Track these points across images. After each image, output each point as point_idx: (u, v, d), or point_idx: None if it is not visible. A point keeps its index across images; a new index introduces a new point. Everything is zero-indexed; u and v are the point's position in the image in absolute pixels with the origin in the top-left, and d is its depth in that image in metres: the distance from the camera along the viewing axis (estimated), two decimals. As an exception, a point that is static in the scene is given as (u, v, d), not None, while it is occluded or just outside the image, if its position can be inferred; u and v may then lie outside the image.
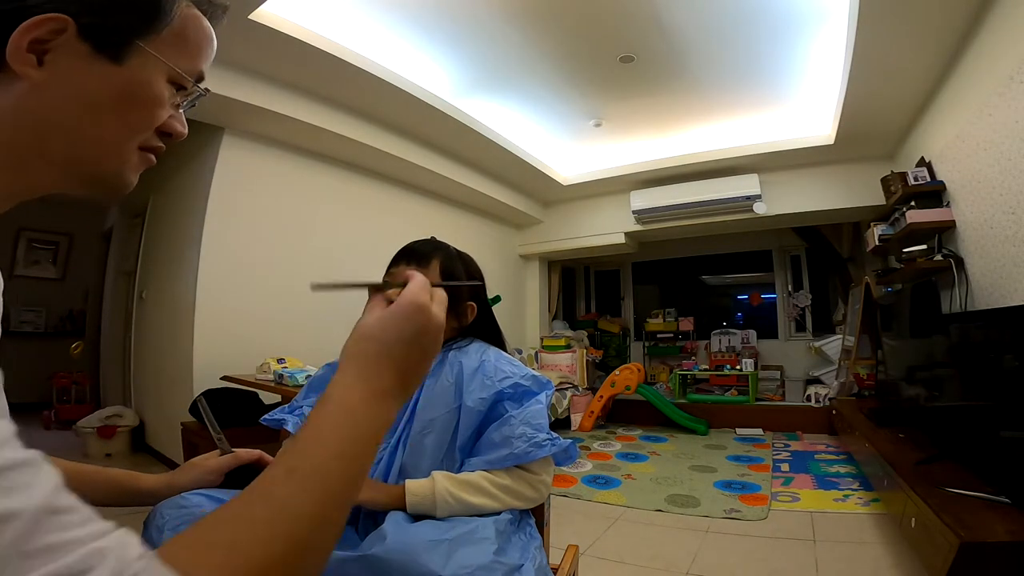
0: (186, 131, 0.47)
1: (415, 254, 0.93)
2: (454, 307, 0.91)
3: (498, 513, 0.77)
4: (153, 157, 0.46)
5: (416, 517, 0.75)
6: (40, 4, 0.37)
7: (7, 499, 0.24)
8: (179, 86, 0.45)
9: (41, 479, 0.26)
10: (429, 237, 1.00)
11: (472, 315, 0.95)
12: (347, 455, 0.37)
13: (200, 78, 0.47)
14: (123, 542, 0.27)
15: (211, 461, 0.77)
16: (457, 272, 0.93)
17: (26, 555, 0.23)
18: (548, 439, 0.82)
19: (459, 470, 0.82)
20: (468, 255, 1.02)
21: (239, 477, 0.77)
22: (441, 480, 0.78)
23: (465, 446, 0.84)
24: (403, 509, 0.75)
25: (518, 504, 0.81)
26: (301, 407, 0.92)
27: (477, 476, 0.79)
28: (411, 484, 0.78)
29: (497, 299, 1.06)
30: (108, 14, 0.40)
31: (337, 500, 0.36)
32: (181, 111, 0.48)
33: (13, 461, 0.26)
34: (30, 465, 0.26)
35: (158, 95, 0.43)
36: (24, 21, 0.36)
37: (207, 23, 0.47)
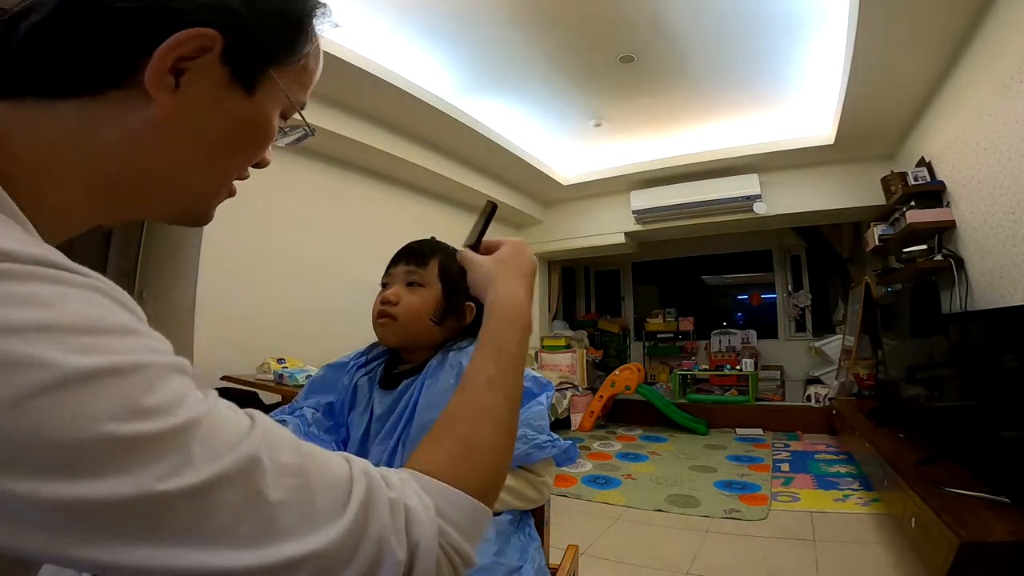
0: (270, 161, 0.43)
1: (415, 254, 0.92)
2: (454, 307, 0.91)
3: (498, 514, 0.77)
4: (232, 193, 0.42)
5: None
6: (190, 10, 0.32)
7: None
8: (282, 115, 0.41)
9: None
10: (429, 237, 0.99)
11: (471, 315, 0.95)
12: (520, 352, 0.46)
13: (301, 107, 0.43)
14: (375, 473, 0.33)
15: None
16: (456, 272, 0.92)
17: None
18: (549, 440, 0.82)
19: None
20: None
21: None
22: None
23: None
24: None
25: (521, 505, 0.81)
26: (302, 408, 0.92)
27: None
28: None
29: None
30: (256, 33, 0.35)
31: (518, 393, 0.45)
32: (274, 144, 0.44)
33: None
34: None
35: (274, 131, 0.39)
36: (171, 34, 0.31)
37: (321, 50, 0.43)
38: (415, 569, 0.31)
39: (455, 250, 0.96)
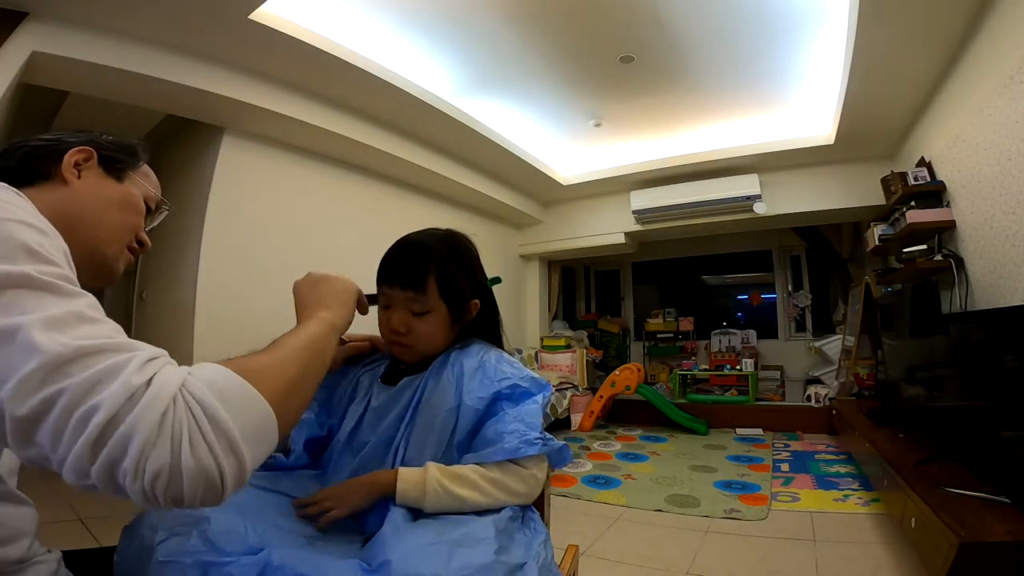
0: (150, 245, 0.71)
1: (409, 278, 0.88)
2: (456, 310, 0.91)
3: (494, 511, 0.76)
4: (132, 256, 0.69)
5: (415, 516, 0.75)
6: (73, 142, 0.64)
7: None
8: (148, 209, 0.71)
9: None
10: (413, 237, 0.93)
11: (475, 311, 0.95)
12: (308, 345, 0.57)
13: (160, 203, 0.74)
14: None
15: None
16: (457, 283, 0.91)
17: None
18: (540, 438, 0.82)
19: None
20: (461, 243, 0.96)
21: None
22: (433, 470, 0.78)
23: (463, 444, 0.84)
24: (393, 495, 0.76)
25: (509, 499, 0.79)
26: None
27: (467, 469, 0.79)
28: (403, 472, 0.78)
29: (497, 280, 1.03)
30: (112, 152, 0.67)
31: (308, 363, 0.55)
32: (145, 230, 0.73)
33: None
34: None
35: (141, 207, 0.70)
36: (66, 152, 0.62)
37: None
38: (147, 392, 0.38)
39: (446, 247, 0.93)
